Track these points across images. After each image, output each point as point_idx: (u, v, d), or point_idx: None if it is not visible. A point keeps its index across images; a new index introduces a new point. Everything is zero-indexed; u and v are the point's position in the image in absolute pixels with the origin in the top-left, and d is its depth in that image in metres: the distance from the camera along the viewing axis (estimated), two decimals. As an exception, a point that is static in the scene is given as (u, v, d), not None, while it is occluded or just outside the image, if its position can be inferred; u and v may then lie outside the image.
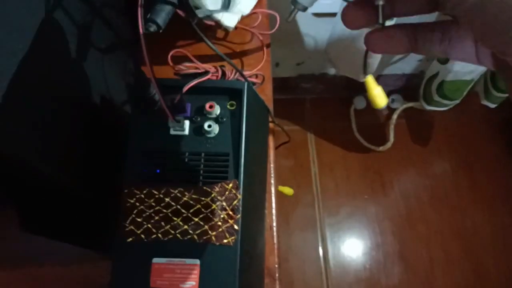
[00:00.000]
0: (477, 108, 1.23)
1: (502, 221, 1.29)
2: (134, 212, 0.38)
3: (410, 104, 1.33)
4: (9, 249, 0.42)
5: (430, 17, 0.25)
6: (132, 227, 0.38)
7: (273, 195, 0.55)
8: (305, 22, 0.98)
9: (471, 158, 1.37)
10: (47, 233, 0.35)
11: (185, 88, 0.40)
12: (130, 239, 0.37)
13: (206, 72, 0.42)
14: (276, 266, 0.52)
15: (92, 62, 0.42)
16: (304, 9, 0.28)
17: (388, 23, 0.25)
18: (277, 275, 0.52)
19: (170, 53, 0.52)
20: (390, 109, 1.39)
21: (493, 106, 1.18)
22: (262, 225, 0.49)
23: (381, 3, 0.24)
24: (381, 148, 1.34)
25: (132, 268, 0.37)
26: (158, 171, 0.40)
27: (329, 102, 1.37)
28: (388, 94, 1.42)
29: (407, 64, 1.29)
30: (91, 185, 0.41)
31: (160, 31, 0.36)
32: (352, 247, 1.25)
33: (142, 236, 0.37)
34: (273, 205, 0.55)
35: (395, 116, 1.35)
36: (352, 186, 1.31)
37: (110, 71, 0.46)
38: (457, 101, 1.15)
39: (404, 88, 1.39)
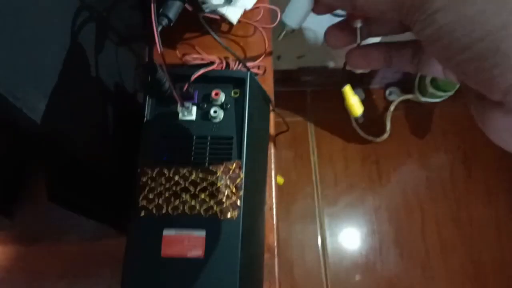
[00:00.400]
0: None
1: (496, 211, 1.33)
2: (146, 189, 0.42)
3: (407, 97, 1.36)
4: (29, 224, 0.46)
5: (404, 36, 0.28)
6: (144, 203, 0.42)
7: (273, 178, 0.59)
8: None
9: (467, 149, 1.41)
10: (71, 206, 0.39)
11: (193, 77, 0.44)
12: (143, 213, 0.41)
13: (211, 63, 0.46)
14: (275, 243, 0.56)
15: (110, 54, 0.45)
16: (292, 30, 0.29)
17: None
18: (276, 251, 0.56)
19: (178, 45, 0.56)
20: (387, 101, 1.42)
21: None
22: (262, 204, 0.53)
23: (359, 25, 0.27)
24: (378, 139, 1.37)
25: (145, 240, 0.41)
26: (167, 153, 0.43)
27: (329, 95, 1.40)
28: (386, 86, 1.46)
29: None
30: (113, 164, 0.45)
31: (171, 24, 0.40)
32: (350, 235, 1.29)
33: (154, 211, 0.41)
34: (273, 188, 0.59)
35: (392, 108, 1.38)
36: (351, 176, 1.35)
37: (123, 62, 0.49)
38: (451, 93, 1.18)
39: (401, 81, 1.42)
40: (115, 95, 0.47)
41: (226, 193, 0.42)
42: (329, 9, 0.28)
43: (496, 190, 1.35)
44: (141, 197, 0.42)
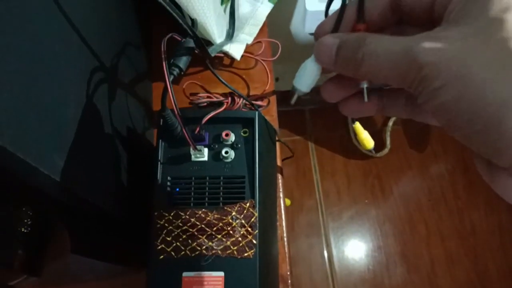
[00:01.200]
0: None
1: (499, 219, 1.34)
2: (164, 232, 0.43)
3: None
4: (56, 269, 0.47)
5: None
6: (163, 245, 0.43)
7: (282, 208, 0.60)
8: (303, 41, 1.04)
9: (466, 159, 1.42)
10: (93, 255, 0.40)
11: (204, 120, 0.45)
12: (162, 256, 0.42)
13: (221, 104, 0.48)
14: (288, 273, 0.57)
15: (120, 99, 0.47)
16: (304, 94, 0.31)
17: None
18: (289, 281, 0.57)
19: (184, 85, 0.57)
20: (386, 116, 1.45)
21: None
22: (275, 237, 0.54)
23: (365, 86, 0.29)
24: (379, 154, 1.39)
25: (165, 282, 0.42)
26: (177, 189, 0.45)
27: (327, 112, 1.42)
28: None
29: None
30: (127, 209, 0.46)
31: (182, 73, 0.42)
32: (356, 250, 1.30)
33: (172, 253, 0.42)
34: (283, 217, 0.60)
35: (391, 123, 1.40)
36: (353, 191, 1.36)
37: (131, 104, 0.51)
38: None
39: None
40: (127, 138, 0.49)
41: (241, 232, 0.43)
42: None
43: (497, 199, 1.36)
44: (159, 240, 0.43)
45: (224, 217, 0.44)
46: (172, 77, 0.40)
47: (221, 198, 0.44)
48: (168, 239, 0.43)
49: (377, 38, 0.25)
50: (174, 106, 0.40)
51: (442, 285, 1.26)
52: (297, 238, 1.31)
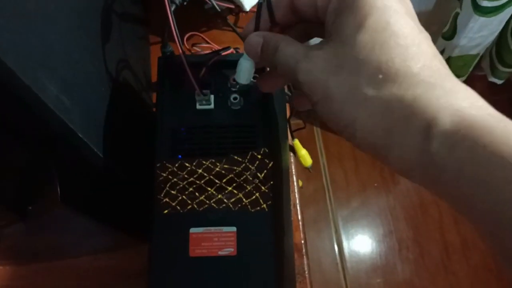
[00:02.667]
0: (483, 90, 1.24)
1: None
2: (168, 185, 0.38)
3: None
4: (39, 241, 0.42)
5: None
6: (167, 199, 0.38)
7: (294, 174, 0.56)
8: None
9: None
10: (84, 209, 0.35)
11: (211, 61, 0.41)
12: (166, 211, 0.38)
13: (227, 47, 0.43)
14: (302, 242, 0.53)
15: (118, 49, 0.43)
16: (244, 86, 0.36)
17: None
18: (303, 250, 0.52)
19: (186, 36, 0.53)
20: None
21: (500, 82, 1.19)
22: (288, 197, 0.49)
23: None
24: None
25: (171, 240, 0.37)
26: (186, 145, 0.40)
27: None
28: None
29: None
30: (127, 166, 0.42)
31: (185, 3, 0.37)
32: (366, 236, 1.25)
33: (178, 207, 0.38)
34: (295, 183, 0.55)
35: None
36: (362, 175, 1.31)
37: (131, 58, 0.46)
38: (464, 78, 1.16)
39: None
40: (125, 90, 0.44)
41: (255, 184, 0.39)
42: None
43: None
44: (162, 194, 0.38)
45: (235, 167, 0.39)
46: (174, 6, 0.35)
47: (230, 148, 0.40)
48: (173, 192, 0.38)
49: (286, 46, 0.29)
50: (176, 39, 0.35)
51: (457, 270, 1.21)
52: (305, 225, 1.26)
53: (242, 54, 0.34)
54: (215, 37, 0.56)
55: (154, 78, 0.54)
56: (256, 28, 0.32)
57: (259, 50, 0.31)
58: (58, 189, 0.32)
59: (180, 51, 0.36)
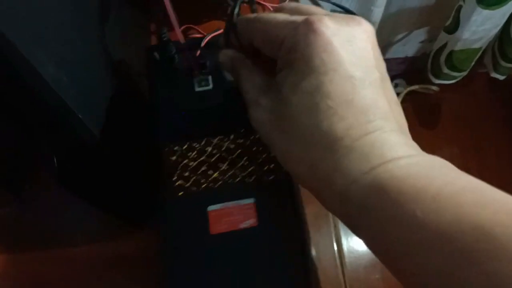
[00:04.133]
0: (484, 88, 1.24)
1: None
2: (179, 167, 0.38)
3: (413, 87, 1.33)
4: (34, 228, 0.41)
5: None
6: (180, 182, 0.37)
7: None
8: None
9: (479, 139, 1.37)
10: (80, 192, 0.34)
11: (204, 42, 0.41)
12: (181, 193, 0.37)
13: (217, 29, 0.43)
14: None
15: (117, 35, 0.42)
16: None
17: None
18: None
19: (181, 28, 0.52)
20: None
21: (502, 77, 1.19)
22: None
23: None
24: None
25: (189, 220, 0.36)
26: (191, 127, 0.39)
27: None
28: (392, 78, 1.43)
29: (410, 46, 1.28)
30: (123, 150, 0.41)
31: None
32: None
33: (193, 188, 0.37)
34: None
35: (399, 100, 1.36)
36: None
37: (130, 45, 0.46)
38: (465, 73, 1.16)
39: (407, 71, 1.39)
40: (123, 77, 0.44)
41: (266, 154, 0.38)
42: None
43: (509, 178, 1.31)
44: (174, 177, 0.37)
45: (244, 141, 0.38)
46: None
47: (236, 124, 0.39)
48: (185, 174, 0.37)
49: (244, 80, 0.31)
50: (172, 19, 0.35)
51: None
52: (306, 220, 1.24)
53: None
54: (216, 27, 0.56)
55: None
56: (227, 45, 0.34)
57: (230, 66, 0.33)
58: (56, 171, 0.31)
59: (175, 26, 0.35)
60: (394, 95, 0.29)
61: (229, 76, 0.35)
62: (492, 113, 1.43)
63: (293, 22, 0.27)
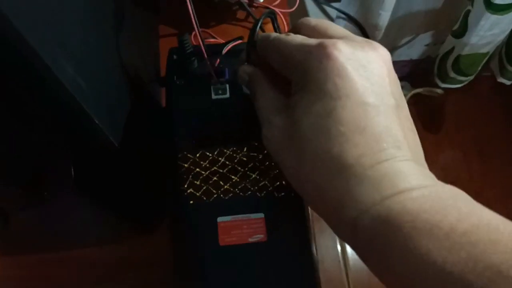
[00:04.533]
0: (489, 92, 1.24)
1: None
2: (191, 175, 0.38)
3: (418, 90, 1.33)
4: (46, 231, 0.41)
5: None
6: (191, 190, 0.37)
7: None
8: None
9: (483, 143, 1.37)
10: (96, 196, 0.35)
11: (225, 50, 0.41)
12: (192, 201, 0.37)
13: (239, 37, 0.43)
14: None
15: (130, 38, 0.42)
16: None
17: None
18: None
19: (193, 33, 0.52)
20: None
21: (509, 83, 1.19)
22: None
23: None
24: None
25: (199, 230, 0.36)
26: (205, 135, 0.40)
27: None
28: None
29: (415, 50, 1.28)
30: (137, 156, 0.41)
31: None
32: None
33: (203, 197, 0.37)
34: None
35: None
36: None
37: (142, 49, 0.46)
38: (472, 77, 1.16)
39: (411, 74, 1.39)
40: (136, 82, 0.44)
41: (278, 169, 0.38)
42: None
43: None
44: (186, 185, 0.38)
45: (257, 154, 0.39)
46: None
47: (251, 135, 0.39)
48: (197, 182, 0.38)
49: (260, 97, 0.32)
50: (194, 23, 0.35)
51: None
52: (314, 220, 1.25)
53: None
54: (225, 31, 0.57)
55: (164, 72, 0.53)
56: (248, 61, 0.35)
57: (246, 82, 0.35)
58: (72, 175, 0.31)
59: (199, 37, 0.35)
60: (411, 123, 0.29)
61: (246, 90, 0.36)
62: (496, 117, 1.42)
63: (308, 46, 0.27)
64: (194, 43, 0.41)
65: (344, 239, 0.27)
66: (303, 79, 0.27)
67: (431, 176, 0.26)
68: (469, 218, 0.22)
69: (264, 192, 0.37)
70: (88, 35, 0.33)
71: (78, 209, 0.36)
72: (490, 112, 1.42)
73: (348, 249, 1.24)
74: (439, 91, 1.32)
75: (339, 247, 1.27)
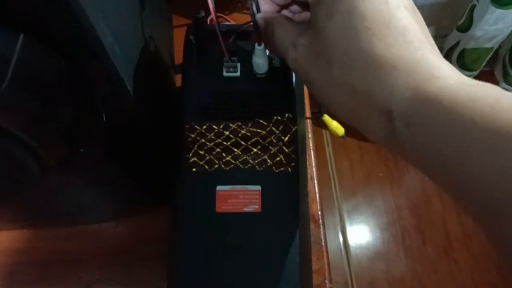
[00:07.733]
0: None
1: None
2: (196, 145, 0.40)
3: None
4: (60, 204, 0.44)
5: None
6: (195, 158, 0.40)
7: (311, 147, 0.58)
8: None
9: None
10: (121, 164, 0.37)
11: (240, 29, 0.42)
12: (194, 169, 0.39)
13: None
14: (319, 213, 0.55)
15: (149, 20, 0.44)
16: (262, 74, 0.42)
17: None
18: (320, 220, 0.54)
19: (209, 18, 0.54)
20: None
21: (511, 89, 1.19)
22: (305, 166, 0.51)
23: None
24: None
25: (198, 196, 0.39)
26: (213, 109, 0.42)
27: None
28: None
29: None
30: (157, 127, 0.43)
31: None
32: (370, 224, 1.27)
33: (206, 166, 0.39)
34: (312, 157, 0.57)
35: None
36: (366, 165, 1.33)
37: (159, 34, 0.48)
38: (476, 73, 1.17)
39: None
40: (156, 62, 0.46)
41: (279, 146, 0.40)
42: None
43: None
44: (190, 153, 0.40)
45: (260, 130, 0.41)
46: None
47: (255, 112, 0.41)
48: (201, 152, 0.40)
49: (279, 32, 0.33)
50: (210, 2, 0.37)
51: (459, 259, 1.23)
52: (322, 198, 1.27)
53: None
54: (235, 20, 0.58)
55: (177, 60, 0.55)
56: (258, 10, 0.36)
57: (263, 25, 0.35)
58: (102, 140, 0.33)
59: (213, 15, 0.37)
60: (427, 28, 0.28)
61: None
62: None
63: None
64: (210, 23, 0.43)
65: (376, 134, 0.26)
66: None
67: (458, 71, 0.25)
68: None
69: (263, 166, 0.40)
70: (120, 9, 0.35)
71: (102, 179, 0.38)
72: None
73: (350, 239, 1.27)
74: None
75: (341, 237, 1.30)
